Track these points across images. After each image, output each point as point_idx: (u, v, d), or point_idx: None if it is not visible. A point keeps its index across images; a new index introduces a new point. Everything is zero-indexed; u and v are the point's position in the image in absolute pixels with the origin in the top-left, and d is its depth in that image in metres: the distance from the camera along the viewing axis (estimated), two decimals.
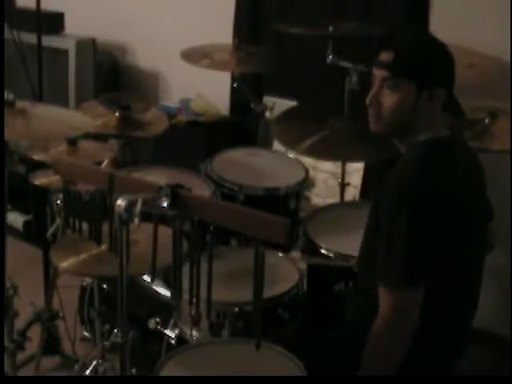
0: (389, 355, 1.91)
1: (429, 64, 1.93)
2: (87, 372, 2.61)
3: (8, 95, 2.19)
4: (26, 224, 4.00)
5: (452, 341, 2.02)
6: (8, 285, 2.46)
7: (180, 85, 4.04)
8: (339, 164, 3.12)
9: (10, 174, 2.43)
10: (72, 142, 2.56)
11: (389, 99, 1.95)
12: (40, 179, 2.58)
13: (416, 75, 1.92)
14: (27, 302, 2.74)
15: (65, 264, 2.08)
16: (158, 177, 2.61)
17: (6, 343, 2.51)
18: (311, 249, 2.49)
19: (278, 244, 1.62)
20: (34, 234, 3.55)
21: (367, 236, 2.04)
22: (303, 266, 2.48)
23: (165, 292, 2.55)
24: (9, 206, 3.79)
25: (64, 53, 3.88)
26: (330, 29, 2.84)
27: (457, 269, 1.94)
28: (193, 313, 1.98)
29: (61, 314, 2.84)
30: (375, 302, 1.92)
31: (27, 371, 2.81)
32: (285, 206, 2.76)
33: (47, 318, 2.81)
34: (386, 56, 1.95)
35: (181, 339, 2.27)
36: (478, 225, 2.01)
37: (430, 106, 1.93)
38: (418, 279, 1.87)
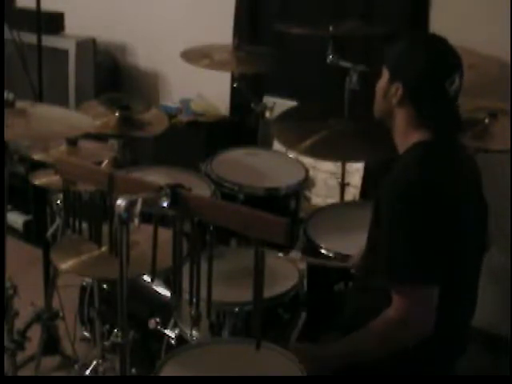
0: (389, 348, 1.91)
1: (402, 58, 1.97)
2: (87, 372, 2.61)
3: (8, 95, 2.19)
4: (26, 224, 4.00)
5: (452, 341, 2.02)
6: (8, 285, 2.46)
7: (180, 85, 4.04)
8: (339, 164, 3.12)
9: (10, 174, 2.43)
10: (72, 142, 2.56)
11: (377, 85, 2.03)
12: (40, 179, 2.58)
13: (390, 64, 1.98)
14: (27, 302, 2.74)
15: (65, 265, 2.08)
16: (158, 177, 2.61)
17: (6, 343, 2.51)
18: (311, 249, 2.49)
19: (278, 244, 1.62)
20: (34, 234, 3.55)
21: (369, 238, 2.04)
22: (303, 265, 2.48)
23: (165, 292, 2.55)
24: (9, 206, 3.79)
25: (64, 53, 3.88)
26: (330, 29, 2.84)
27: (456, 268, 1.94)
28: (193, 313, 1.97)
29: (61, 314, 2.84)
30: (375, 301, 1.92)
31: (27, 371, 2.82)
32: (285, 206, 2.76)
33: (47, 318, 2.82)
34: None
35: (181, 339, 2.27)
36: (475, 224, 2.01)
37: (397, 100, 1.94)
38: (427, 275, 1.86)
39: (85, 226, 2.08)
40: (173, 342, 2.28)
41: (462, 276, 1.97)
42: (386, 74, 1.99)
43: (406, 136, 1.97)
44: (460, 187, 1.94)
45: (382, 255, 1.91)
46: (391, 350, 1.90)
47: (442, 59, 1.95)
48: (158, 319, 2.35)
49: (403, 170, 1.93)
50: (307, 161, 2.96)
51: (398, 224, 1.86)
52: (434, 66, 1.93)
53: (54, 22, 3.89)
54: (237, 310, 2.23)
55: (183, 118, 3.77)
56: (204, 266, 1.79)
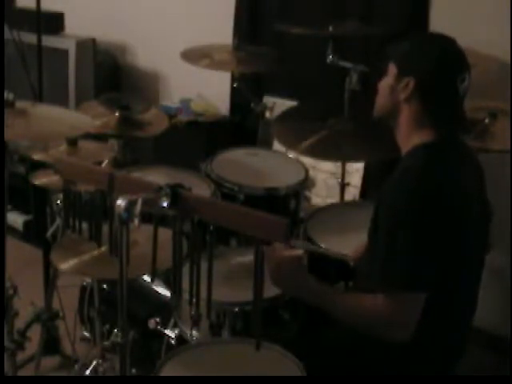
0: (368, 330, 1.92)
1: (415, 53, 1.97)
2: (87, 372, 2.61)
3: (8, 95, 2.19)
4: (26, 224, 4.00)
5: (452, 341, 2.02)
6: (8, 285, 2.46)
7: (180, 85, 4.04)
8: (339, 164, 3.12)
9: (10, 174, 2.43)
10: (72, 142, 2.56)
11: (381, 82, 2.02)
12: (40, 179, 2.58)
13: (399, 59, 1.97)
14: (27, 302, 2.73)
15: (65, 265, 2.08)
16: (158, 177, 2.61)
17: (6, 343, 2.50)
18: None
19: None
20: (34, 233, 3.55)
21: (369, 236, 2.04)
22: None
23: (165, 292, 2.55)
24: (9, 206, 3.79)
25: (64, 53, 3.88)
26: (330, 29, 2.84)
27: (458, 269, 1.94)
28: (193, 313, 1.97)
29: (61, 314, 2.84)
30: None
31: (27, 371, 2.82)
32: (285, 206, 2.76)
33: (47, 318, 2.81)
34: None
35: (181, 339, 2.27)
36: (478, 225, 2.01)
37: (406, 95, 1.94)
38: (420, 282, 1.86)
39: (85, 226, 2.08)
40: (173, 342, 2.28)
41: (462, 278, 1.97)
42: (393, 70, 1.97)
43: (409, 135, 1.97)
44: (462, 189, 1.93)
45: (378, 257, 1.91)
46: (364, 331, 1.92)
47: (456, 56, 1.95)
48: (157, 319, 2.35)
49: (404, 173, 1.93)
50: (307, 161, 2.96)
51: (397, 227, 1.86)
52: (449, 62, 1.94)
53: (53, 22, 3.89)
54: (237, 310, 2.23)
55: (183, 117, 3.77)
56: (204, 266, 1.79)
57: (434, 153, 1.94)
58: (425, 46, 1.98)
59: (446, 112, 1.96)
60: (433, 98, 1.94)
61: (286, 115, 2.88)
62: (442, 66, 1.93)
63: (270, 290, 2.20)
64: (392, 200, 1.89)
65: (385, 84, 2.00)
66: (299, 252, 2.14)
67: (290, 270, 2.03)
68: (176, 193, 1.68)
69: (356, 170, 3.31)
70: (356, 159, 3.05)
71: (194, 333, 2.22)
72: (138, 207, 1.60)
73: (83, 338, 2.88)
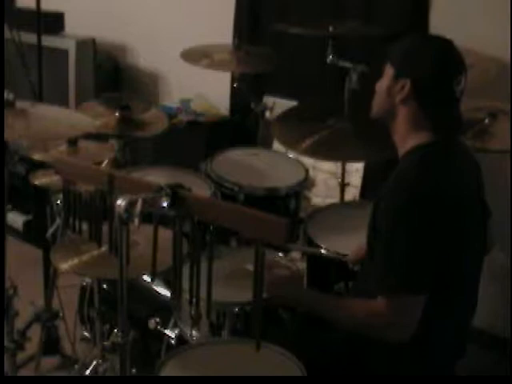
0: (367, 332, 1.93)
1: (411, 55, 1.96)
2: (87, 372, 2.61)
3: (8, 95, 2.19)
4: (26, 224, 4.00)
5: (452, 341, 2.02)
6: (8, 285, 2.46)
7: (180, 85, 4.05)
8: (339, 164, 3.12)
9: (9, 174, 2.43)
10: (72, 142, 2.56)
11: (378, 84, 2.01)
12: (40, 179, 2.58)
13: (396, 61, 1.96)
14: (27, 302, 2.74)
15: (65, 265, 2.08)
16: (158, 177, 2.61)
17: (6, 343, 2.51)
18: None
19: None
20: (34, 233, 3.55)
21: (368, 240, 2.04)
22: (303, 265, 2.49)
23: (165, 292, 2.55)
24: (9, 206, 3.78)
25: (64, 53, 3.88)
26: (330, 29, 2.84)
27: (457, 269, 1.94)
28: (193, 313, 1.97)
29: (61, 314, 2.84)
30: None
31: (27, 371, 2.82)
32: (285, 206, 2.76)
33: (47, 318, 2.81)
34: None
35: (181, 339, 2.27)
36: (476, 225, 2.01)
37: (402, 97, 1.93)
38: (420, 284, 1.87)
39: (85, 226, 2.08)
40: (173, 341, 2.28)
41: (461, 279, 1.97)
42: (389, 72, 1.97)
43: (406, 136, 1.97)
44: (460, 191, 1.93)
45: (377, 258, 1.91)
46: (362, 333, 1.94)
47: (452, 58, 1.94)
48: (157, 319, 2.35)
49: (402, 174, 1.93)
50: (307, 161, 2.96)
51: (396, 228, 1.86)
52: (445, 64, 1.93)
53: (53, 22, 3.90)
54: (237, 310, 2.23)
55: (183, 117, 3.77)
56: (204, 266, 1.79)
57: (431, 154, 1.94)
58: (421, 48, 1.98)
59: (442, 114, 1.95)
60: (429, 100, 1.94)
61: (286, 115, 2.88)
62: (439, 69, 1.92)
63: None
64: (390, 201, 1.89)
65: (381, 85, 2.00)
66: (293, 269, 2.24)
67: (288, 290, 2.10)
68: (176, 193, 1.68)
69: (356, 170, 3.31)
70: (356, 159, 3.05)
71: (194, 333, 2.22)
72: (138, 207, 1.60)
73: (83, 338, 2.87)
